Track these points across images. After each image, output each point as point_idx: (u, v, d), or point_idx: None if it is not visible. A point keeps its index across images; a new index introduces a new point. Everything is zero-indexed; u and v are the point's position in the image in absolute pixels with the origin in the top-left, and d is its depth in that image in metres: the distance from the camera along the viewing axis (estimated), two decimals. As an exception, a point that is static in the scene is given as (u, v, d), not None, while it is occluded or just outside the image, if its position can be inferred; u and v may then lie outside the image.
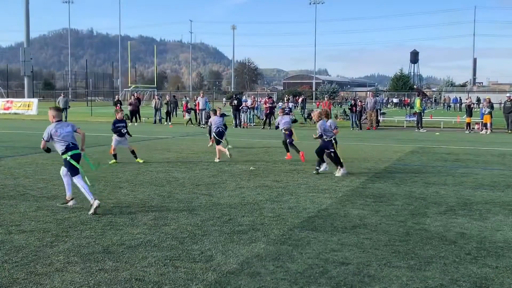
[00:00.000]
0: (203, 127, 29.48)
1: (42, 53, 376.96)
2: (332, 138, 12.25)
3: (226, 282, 5.10)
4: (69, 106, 34.81)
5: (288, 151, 14.99)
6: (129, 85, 71.19)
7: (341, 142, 20.32)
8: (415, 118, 29.78)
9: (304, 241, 6.57)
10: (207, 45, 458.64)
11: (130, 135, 14.78)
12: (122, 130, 14.16)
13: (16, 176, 11.44)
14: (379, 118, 31.46)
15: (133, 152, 14.26)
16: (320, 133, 12.18)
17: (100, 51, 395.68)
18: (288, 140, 14.86)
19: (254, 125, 31.08)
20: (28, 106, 43.95)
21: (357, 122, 29.05)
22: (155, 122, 33.56)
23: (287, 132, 14.91)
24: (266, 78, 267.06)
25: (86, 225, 7.19)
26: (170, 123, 32.63)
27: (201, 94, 32.11)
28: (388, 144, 20.04)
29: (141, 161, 14.00)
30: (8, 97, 66.02)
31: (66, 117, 33.27)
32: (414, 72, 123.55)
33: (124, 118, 14.79)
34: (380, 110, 35.38)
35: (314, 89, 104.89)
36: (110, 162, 13.79)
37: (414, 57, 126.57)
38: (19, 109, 44.03)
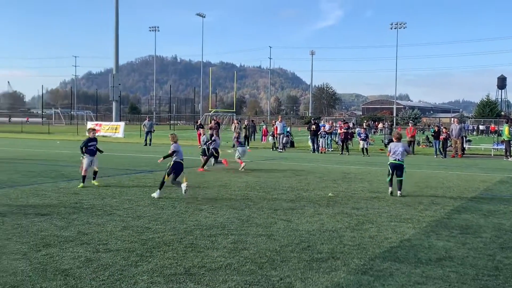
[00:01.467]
0: (280, 151, 29.60)
1: (129, 79, 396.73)
2: (181, 160, 12.59)
3: (306, 311, 5.03)
4: (154, 130, 36.12)
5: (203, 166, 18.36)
6: (210, 109, 73.09)
7: (424, 170, 19.77)
8: (503, 146, 28.27)
9: (386, 272, 6.38)
10: (285, 70, 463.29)
11: (101, 152, 14.55)
12: (93, 149, 13.90)
13: (103, 196, 11.98)
14: (464, 145, 30.19)
15: (95, 172, 13.90)
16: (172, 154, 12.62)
17: (183, 76, 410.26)
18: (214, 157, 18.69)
19: (332, 151, 30.78)
20: (116, 129, 46.09)
21: (441, 150, 28.03)
22: (233, 146, 34.07)
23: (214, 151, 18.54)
24: (344, 103, 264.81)
25: (168, 246, 7.39)
26: (248, 147, 33.04)
27: (279, 119, 32.32)
28: (474, 173, 19.14)
29: (96, 183, 13.68)
30: (97, 120, 69.69)
31: (151, 140, 34.57)
32: (501, 98, 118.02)
33: (96, 137, 14.33)
34: (466, 137, 33.98)
35: (394, 114, 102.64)
36: (78, 186, 13.37)
37: (502, 83, 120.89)
38: (107, 132, 46.26)
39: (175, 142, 12.88)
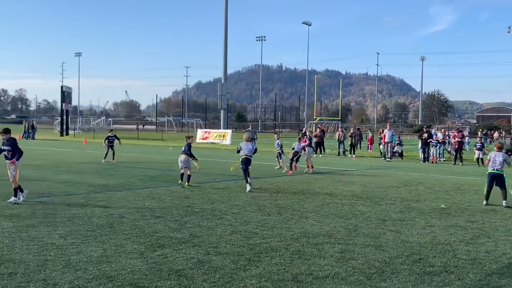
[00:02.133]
0: (388, 160, 28.80)
1: (236, 87, 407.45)
2: (246, 155, 14.84)
3: (418, 325, 4.84)
4: (257, 137, 36.67)
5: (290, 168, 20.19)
6: (314, 117, 72.95)
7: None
8: None
9: (506, 290, 5.98)
10: (393, 77, 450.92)
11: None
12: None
13: (213, 201, 12.39)
14: None
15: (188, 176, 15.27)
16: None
17: (288, 85, 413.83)
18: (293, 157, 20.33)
19: (444, 161, 29.41)
20: (223, 137, 47.43)
21: None
22: (338, 154, 33.77)
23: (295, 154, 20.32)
24: (457, 111, 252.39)
25: (276, 252, 7.47)
26: (354, 156, 32.54)
27: (388, 127, 31.50)
28: None
29: (186, 184, 14.99)
30: (205, 128, 72.28)
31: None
32: None
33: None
34: None
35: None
36: (191, 184, 15.03)
37: None
38: (215, 139, 47.74)
39: (246, 140, 15.47)
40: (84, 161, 23.94)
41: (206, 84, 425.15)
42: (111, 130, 26.37)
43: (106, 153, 23.90)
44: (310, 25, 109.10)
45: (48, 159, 25.09)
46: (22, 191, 11.51)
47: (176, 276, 6.23)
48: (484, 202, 12.61)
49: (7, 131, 11.59)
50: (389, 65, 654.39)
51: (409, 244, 8.19)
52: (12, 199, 11.29)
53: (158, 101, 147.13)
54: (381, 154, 30.82)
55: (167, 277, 6.17)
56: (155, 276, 6.22)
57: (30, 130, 52.57)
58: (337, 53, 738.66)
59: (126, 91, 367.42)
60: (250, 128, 37.58)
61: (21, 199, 11.41)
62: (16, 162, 11.41)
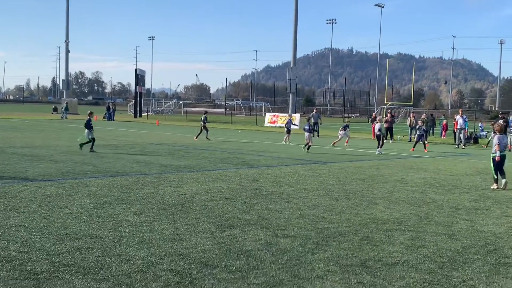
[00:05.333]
0: (463, 148, 27.76)
1: (305, 71, 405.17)
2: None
3: (492, 318, 4.69)
4: (321, 123, 36.31)
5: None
6: (385, 102, 71.27)
7: None
8: None
9: None
10: (469, 61, 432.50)
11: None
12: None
13: (281, 184, 12.45)
14: None
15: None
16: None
17: (358, 69, 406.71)
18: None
19: (523, 149, 27.94)
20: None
21: None
22: (410, 140, 32.89)
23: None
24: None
25: (344, 237, 7.43)
26: (427, 142, 31.56)
27: (460, 113, 30.33)
28: None
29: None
30: (274, 112, 72.45)
31: (318, 132, 34.94)
32: None
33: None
34: None
35: None
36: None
37: None
38: (284, 123, 47.79)
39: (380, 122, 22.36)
40: (156, 142, 24.70)
41: (275, 68, 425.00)
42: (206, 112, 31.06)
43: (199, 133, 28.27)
44: (383, 7, 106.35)
45: (123, 139, 26.09)
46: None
47: (245, 256, 6.34)
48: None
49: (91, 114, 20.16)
50: (466, 48, 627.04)
51: (483, 234, 7.91)
52: None
53: (227, 84, 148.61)
54: (455, 141, 29.78)
55: (236, 257, 6.29)
56: (224, 255, 6.36)
57: (111, 112, 55.51)
58: (410, 36, 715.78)
59: (196, 75, 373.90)
60: (314, 112, 37.34)
61: None
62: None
